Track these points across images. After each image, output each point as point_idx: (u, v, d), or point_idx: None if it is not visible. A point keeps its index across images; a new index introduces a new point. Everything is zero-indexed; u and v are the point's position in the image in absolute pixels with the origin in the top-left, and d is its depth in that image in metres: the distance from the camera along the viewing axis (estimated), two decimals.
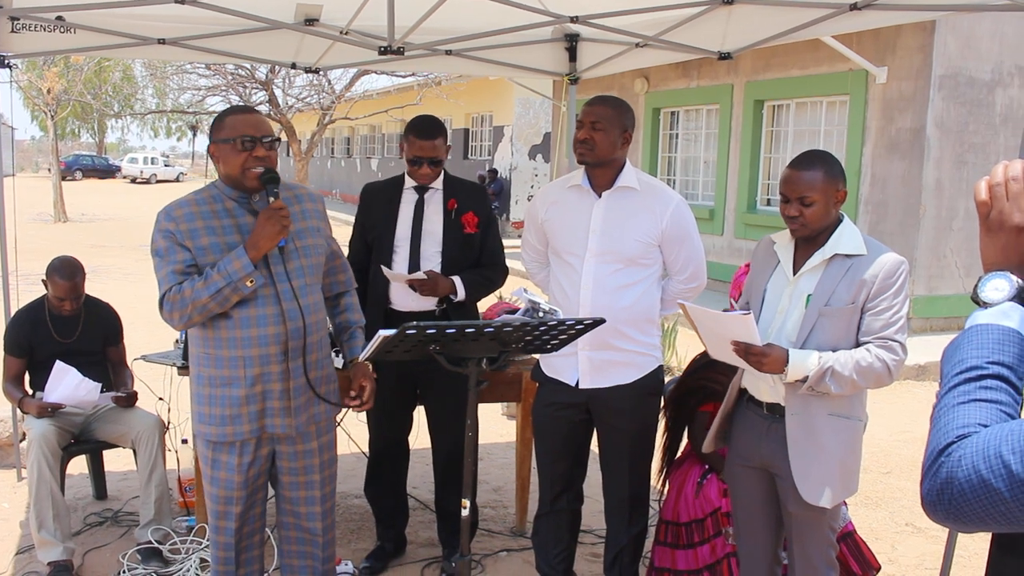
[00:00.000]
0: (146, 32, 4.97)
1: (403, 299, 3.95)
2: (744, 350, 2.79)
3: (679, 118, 14.25)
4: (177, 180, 52.27)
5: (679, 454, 4.04)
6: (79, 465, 4.94)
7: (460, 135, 25.49)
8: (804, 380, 2.78)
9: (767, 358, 2.76)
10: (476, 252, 4.03)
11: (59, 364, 4.25)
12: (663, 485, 3.98)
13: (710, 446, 3.22)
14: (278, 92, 20.55)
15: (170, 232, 2.96)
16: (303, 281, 3.04)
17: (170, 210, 3.01)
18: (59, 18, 4.70)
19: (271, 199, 2.93)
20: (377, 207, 4.07)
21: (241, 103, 20.59)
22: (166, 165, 54.56)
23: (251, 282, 2.89)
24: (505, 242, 4.38)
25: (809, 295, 2.87)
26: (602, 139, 3.38)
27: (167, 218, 2.98)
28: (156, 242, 2.99)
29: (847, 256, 2.84)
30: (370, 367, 3.28)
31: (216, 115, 3.10)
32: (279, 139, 3.06)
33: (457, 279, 3.93)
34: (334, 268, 3.29)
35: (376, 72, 18.77)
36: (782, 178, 2.90)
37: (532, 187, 22.62)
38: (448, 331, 2.50)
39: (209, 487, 3.12)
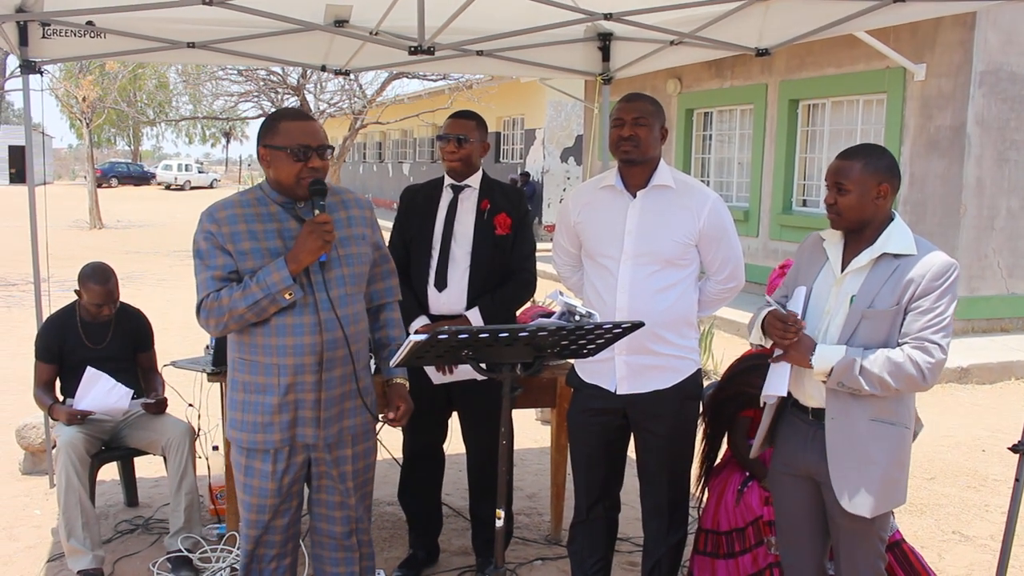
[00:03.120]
0: (175, 36, 4.95)
1: (435, 302, 3.88)
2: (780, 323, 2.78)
3: (712, 119, 14.10)
4: (211, 186, 52.79)
5: (718, 461, 3.94)
6: (111, 471, 4.92)
7: (492, 139, 25.43)
8: (831, 376, 2.72)
9: (797, 333, 2.75)
10: (507, 255, 3.95)
11: (90, 370, 4.23)
12: (702, 492, 3.88)
13: (758, 450, 3.12)
14: (310, 97, 20.64)
15: (211, 234, 2.90)
16: (343, 291, 2.97)
17: (213, 211, 2.95)
18: (89, 23, 4.70)
19: (316, 211, 2.86)
20: (415, 207, 4.02)
21: (273, 108, 20.71)
22: (200, 171, 55.16)
23: (290, 295, 2.84)
24: (538, 246, 4.29)
25: (853, 296, 2.76)
26: (646, 135, 3.30)
27: (210, 219, 2.93)
28: (198, 243, 2.94)
29: (896, 256, 2.74)
30: (407, 387, 3.21)
31: (268, 116, 3.01)
32: (333, 147, 2.98)
33: (474, 313, 3.84)
34: (375, 275, 3.19)
35: (407, 76, 18.82)
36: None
37: (564, 190, 22.56)
38: (481, 336, 2.43)
39: (242, 495, 3.07)
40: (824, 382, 2.76)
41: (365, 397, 3.08)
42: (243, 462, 3.03)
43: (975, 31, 9.38)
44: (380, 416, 3.16)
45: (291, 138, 2.87)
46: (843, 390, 2.73)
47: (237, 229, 2.90)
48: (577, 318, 2.68)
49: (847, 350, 2.69)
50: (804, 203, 12.20)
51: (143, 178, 53.86)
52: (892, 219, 2.81)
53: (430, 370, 3.83)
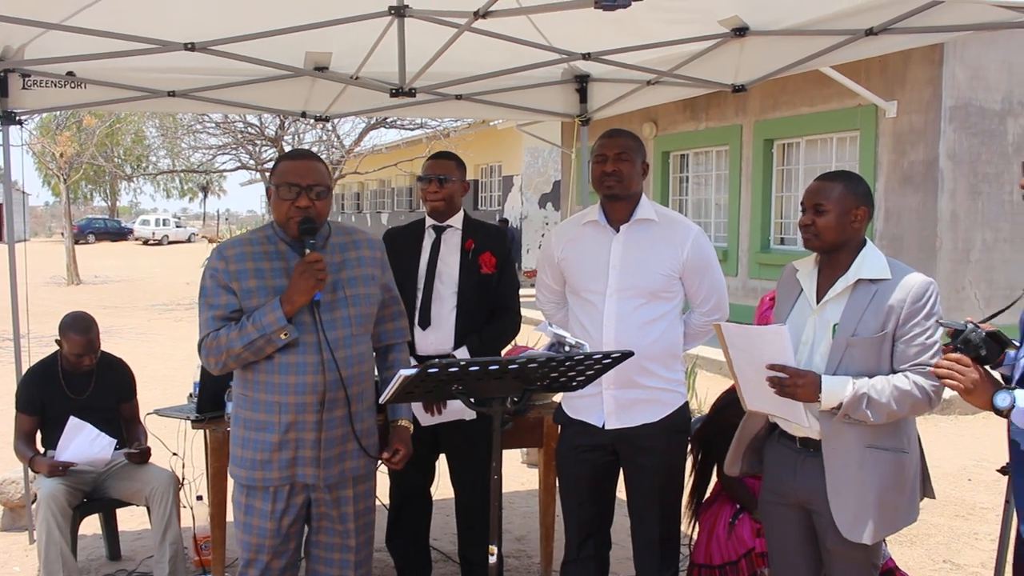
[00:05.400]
0: (156, 85, 4.97)
1: (422, 342, 3.87)
2: (778, 376, 2.68)
3: (688, 161, 14.25)
4: (189, 241, 52.61)
5: (708, 494, 3.92)
6: (92, 525, 4.84)
7: (470, 186, 25.55)
8: (839, 408, 2.68)
9: (802, 380, 2.67)
10: (492, 294, 3.96)
11: (73, 419, 4.18)
12: (692, 527, 3.85)
13: (732, 468, 3.09)
14: (287, 149, 20.68)
15: (217, 271, 2.95)
16: (349, 331, 2.99)
17: (223, 248, 3.01)
18: (70, 73, 4.72)
19: (307, 251, 2.89)
20: (398, 249, 4.01)
21: (251, 160, 20.75)
22: (178, 226, 55.02)
23: (285, 335, 2.86)
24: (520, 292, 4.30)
25: (835, 325, 2.77)
26: (629, 170, 3.34)
27: (218, 256, 2.98)
28: (204, 280, 2.99)
29: (872, 281, 2.75)
30: (410, 431, 3.21)
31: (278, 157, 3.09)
32: (329, 187, 3.01)
33: (463, 352, 3.85)
34: (384, 316, 3.20)
35: (385, 126, 18.90)
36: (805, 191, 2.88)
37: (543, 235, 22.65)
38: (471, 369, 2.42)
39: (241, 534, 3.05)
40: (827, 412, 2.73)
41: (368, 438, 3.08)
42: (243, 500, 3.03)
43: (943, 67, 9.56)
44: (380, 458, 3.15)
45: (284, 177, 2.93)
46: (845, 421, 2.72)
47: (244, 267, 2.94)
48: (567, 348, 2.67)
49: (853, 384, 2.66)
50: (782, 241, 12.31)
51: (120, 234, 53.63)
52: (864, 244, 2.83)
53: (418, 412, 3.81)
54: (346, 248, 3.06)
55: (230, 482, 3.52)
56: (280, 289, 2.92)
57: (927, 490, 2.96)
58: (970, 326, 2.47)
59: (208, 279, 2.96)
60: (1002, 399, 2.40)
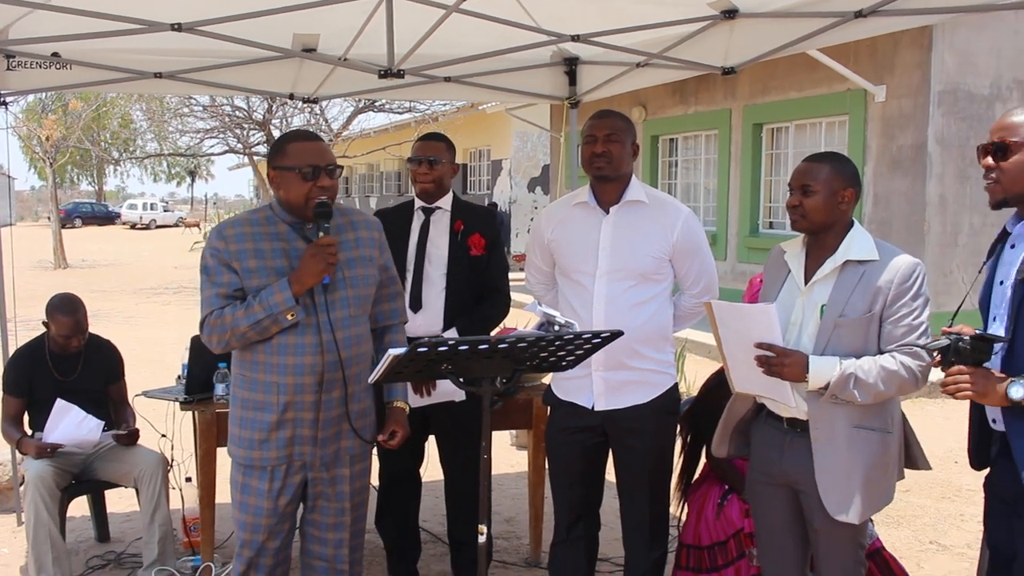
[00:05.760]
0: (142, 66, 4.94)
1: (412, 324, 3.86)
2: (766, 355, 2.70)
3: (678, 145, 14.24)
4: (176, 225, 52.41)
5: (696, 475, 3.94)
6: (80, 507, 4.83)
7: (459, 168, 25.51)
8: (826, 388, 2.69)
9: (788, 359, 2.68)
10: (482, 275, 3.95)
11: (60, 402, 4.17)
12: (681, 508, 3.87)
13: (719, 450, 3.11)
14: (276, 132, 20.58)
15: (218, 251, 2.95)
16: (347, 312, 2.99)
17: (222, 228, 3.00)
18: (55, 54, 4.67)
19: (320, 234, 2.89)
20: (387, 231, 4.00)
21: (239, 144, 20.65)
22: (165, 210, 54.78)
23: (291, 315, 2.87)
24: (509, 275, 4.30)
25: (823, 305, 2.78)
26: (619, 151, 3.33)
27: (218, 236, 2.97)
28: (205, 259, 2.98)
29: (859, 262, 2.76)
30: (406, 412, 3.22)
31: (277, 139, 3.07)
32: (342, 167, 3.02)
33: (452, 334, 3.84)
34: (381, 297, 3.20)
35: (373, 109, 18.83)
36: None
37: (531, 220, 22.65)
38: (461, 348, 2.42)
39: (238, 513, 3.06)
40: (815, 392, 2.75)
41: (364, 419, 3.09)
42: (240, 480, 3.04)
43: (932, 53, 9.58)
44: (377, 439, 3.16)
45: (300, 158, 2.90)
46: (832, 401, 2.73)
47: (244, 247, 2.94)
48: (556, 328, 2.67)
49: (840, 364, 2.67)
50: (771, 225, 12.33)
51: (108, 218, 53.29)
52: (852, 225, 2.84)
53: (408, 392, 3.81)
54: (344, 229, 3.05)
55: (219, 463, 3.52)
56: (280, 270, 2.92)
57: (921, 462, 2.97)
58: (953, 337, 2.48)
59: (209, 258, 2.96)
60: (1016, 391, 2.41)
